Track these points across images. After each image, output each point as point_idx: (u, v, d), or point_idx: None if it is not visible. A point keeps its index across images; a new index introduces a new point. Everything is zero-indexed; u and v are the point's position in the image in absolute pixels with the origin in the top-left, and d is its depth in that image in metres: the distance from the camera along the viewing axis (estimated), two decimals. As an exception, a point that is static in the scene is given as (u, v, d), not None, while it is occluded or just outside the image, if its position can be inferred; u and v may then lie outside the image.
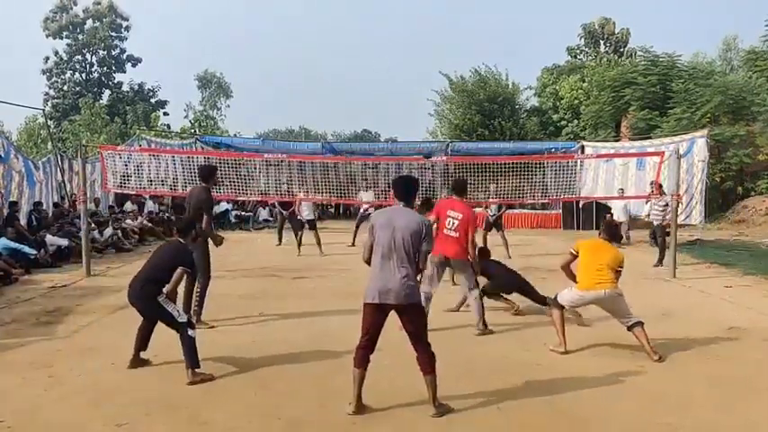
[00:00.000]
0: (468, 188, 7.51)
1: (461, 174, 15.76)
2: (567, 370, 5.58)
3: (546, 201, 19.00)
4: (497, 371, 5.55)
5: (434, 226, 6.61)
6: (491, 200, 14.44)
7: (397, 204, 4.67)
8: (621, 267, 6.06)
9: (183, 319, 5.34)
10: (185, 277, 6.61)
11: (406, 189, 4.68)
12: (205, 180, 7.34)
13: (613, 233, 6.49)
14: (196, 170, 15.53)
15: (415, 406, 4.63)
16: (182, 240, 5.72)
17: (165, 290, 5.35)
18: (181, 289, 5.91)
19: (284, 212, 14.87)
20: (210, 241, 7.13)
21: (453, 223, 6.81)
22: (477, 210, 15.89)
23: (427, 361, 4.46)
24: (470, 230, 6.85)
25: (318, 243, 13.81)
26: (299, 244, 13.88)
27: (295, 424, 4.40)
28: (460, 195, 7.07)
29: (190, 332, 5.27)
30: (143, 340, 5.55)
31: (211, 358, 5.81)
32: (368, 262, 4.58)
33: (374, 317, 4.46)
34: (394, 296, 4.38)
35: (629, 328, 6.04)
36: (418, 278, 4.73)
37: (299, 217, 14.07)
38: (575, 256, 6.21)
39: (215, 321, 7.16)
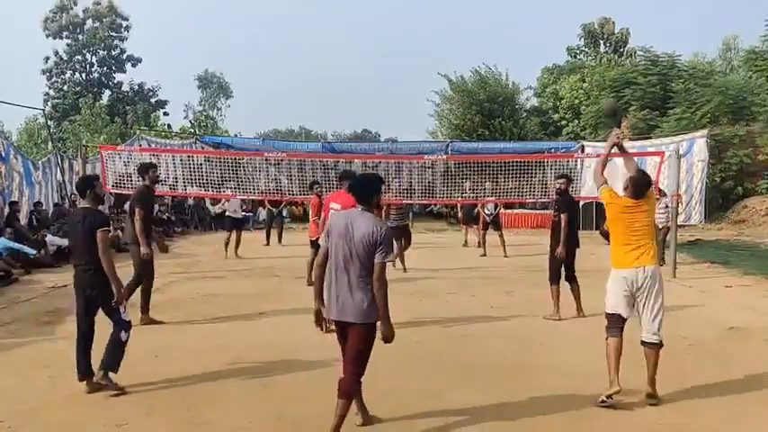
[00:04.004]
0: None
1: (461, 173, 15.76)
2: (567, 370, 5.58)
3: (547, 200, 18.96)
4: (497, 372, 5.55)
5: None
6: (487, 198, 14.46)
7: (356, 207, 4.07)
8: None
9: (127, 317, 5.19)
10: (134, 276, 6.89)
11: (367, 190, 4.06)
12: (142, 176, 7.36)
13: (647, 182, 4.95)
14: (196, 170, 15.79)
15: (416, 407, 4.64)
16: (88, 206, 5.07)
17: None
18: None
19: (274, 210, 16.39)
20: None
21: None
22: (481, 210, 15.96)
23: (351, 387, 4.02)
24: None
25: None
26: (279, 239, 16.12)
27: (296, 424, 4.40)
28: None
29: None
30: None
31: (211, 358, 5.82)
32: (322, 265, 4.06)
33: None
34: (351, 313, 3.91)
35: (645, 344, 4.92)
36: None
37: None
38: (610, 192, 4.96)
39: (215, 321, 7.15)
